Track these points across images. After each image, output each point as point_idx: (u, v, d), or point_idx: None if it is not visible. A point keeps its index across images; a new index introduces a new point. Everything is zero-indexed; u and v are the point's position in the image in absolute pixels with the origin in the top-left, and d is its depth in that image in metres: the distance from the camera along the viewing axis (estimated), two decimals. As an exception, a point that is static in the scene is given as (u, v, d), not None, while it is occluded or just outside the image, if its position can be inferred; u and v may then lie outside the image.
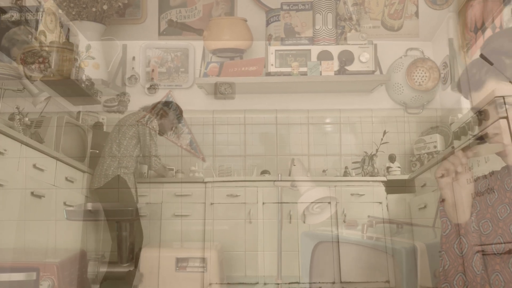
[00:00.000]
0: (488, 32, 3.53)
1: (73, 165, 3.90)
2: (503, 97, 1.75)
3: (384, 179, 4.18)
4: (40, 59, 3.53)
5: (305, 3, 4.30)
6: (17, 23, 3.53)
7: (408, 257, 2.75)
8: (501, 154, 1.81)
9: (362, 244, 3.10)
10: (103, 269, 3.08)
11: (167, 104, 4.30)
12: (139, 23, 4.58)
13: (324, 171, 4.44)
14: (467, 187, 1.84)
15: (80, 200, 3.91)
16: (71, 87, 3.98)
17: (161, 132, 4.18)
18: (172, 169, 4.42)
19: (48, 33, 3.78)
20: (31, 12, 3.64)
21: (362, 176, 4.29)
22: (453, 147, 3.87)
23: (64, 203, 3.71)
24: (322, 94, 4.47)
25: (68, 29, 4.05)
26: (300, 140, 4.56)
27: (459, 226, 1.83)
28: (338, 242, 3.11)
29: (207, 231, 4.04)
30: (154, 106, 4.22)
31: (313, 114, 4.56)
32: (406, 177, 4.23)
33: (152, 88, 4.47)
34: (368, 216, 3.67)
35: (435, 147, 4.17)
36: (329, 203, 3.19)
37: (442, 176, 1.85)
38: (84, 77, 4.05)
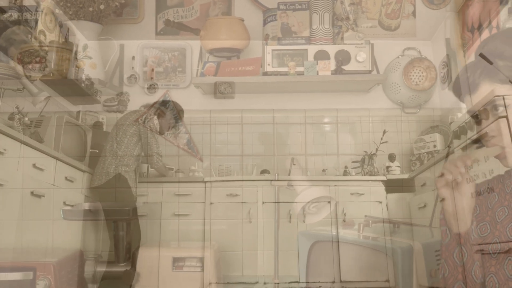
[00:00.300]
0: (485, 32, 3.52)
1: (73, 164, 3.86)
2: (503, 96, 1.74)
3: (384, 178, 4.15)
4: (37, 59, 3.51)
5: (302, 2, 4.29)
6: (16, 22, 3.51)
7: (404, 257, 2.74)
8: (499, 157, 1.78)
9: (358, 244, 3.09)
10: (100, 268, 3.07)
11: (164, 103, 4.27)
12: (136, 22, 4.56)
13: (324, 170, 4.41)
14: (467, 197, 1.82)
15: (80, 199, 3.88)
16: (70, 86, 3.96)
17: (159, 132, 4.14)
18: (172, 169, 4.39)
19: (48, 32, 3.74)
20: (31, 11, 3.60)
21: (362, 175, 4.27)
22: (449, 147, 3.86)
23: (64, 203, 3.68)
24: (319, 94, 4.44)
25: (68, 28, 4.01)
26: (297, 140, 4.53)
27: (459, 235, 1.81)
28: (336, 241, 3.10)
29: (207, 231, 4.01)
30: (151, 105, 4.19)
31: (310, 114, 4.54)
32: (406, 176, 4.20)
33: (152, 87, 4.44)
34: (365, 216, 3.64)
35: (434, 146, 4.13)
36: (329, 202, 3.17)
37: (443, 185, 1.83)
38: (83, 77, 4.02)
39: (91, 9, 4.05)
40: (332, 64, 4.10)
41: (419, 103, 4.37)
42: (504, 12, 3.26)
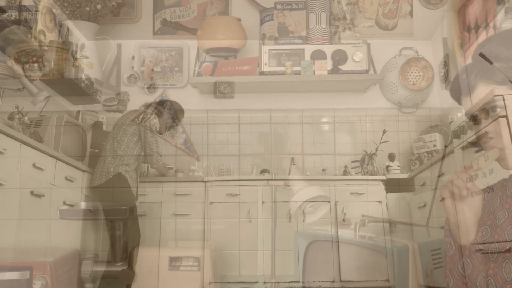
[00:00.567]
0: (482, 32, 3.49)
1: (73, 164, 3.83)
2: (503, 96, 1.72)
3: (384, 178, 4.12)
4: (34, 58, 3.48)
5: (299, 2, 4.26)
6: (15, 22, 3.48)
7: (400, 256, 2.74)
8: (498, 159, 1.76)
9: (354, 243, 3.09)
10: (97, 268, 3.05)
11: (162, 103, 4.24)
12: (134, 22, 4.54)
13: (323, 170, 4.38)
14: (474, 209, 1.80)
15: (80, 199, 3.85)
16: (70, 86, 3.94)
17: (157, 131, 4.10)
18: (171, 168, 4.36)
19: (48, 32, 3.70)
20: (30, 11, 3.56)
21: (362, 175, 4.23)
22: (445, 147, 3.82)
23: (64, 203, 3.64)
24: (316, 94, 4.41)
25: (68, 28, 3.98)
26: (295, 139, 4.51)
27: (464, 247, 1.80)
28: (336, 241, 3.11)
29: (207, 230, 3.99)
30: (148, 105, 4.16)
31: (307, 114, 4.51)
32: (405, 176, 4.17)
33: (152, 87, 4.42)
34: (362, 216, 3.60)
35: (434, 146, 4.10)
36: (327, 202, 3.16)
37: (448, 196, 1.82)
38: (83, 76, 4.00)
39: (88, 8, 4.04)
40: (328, 64, 4.09)
41: (416, 103, 4.34)
42: (501, 12, 3.22)
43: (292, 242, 3.49)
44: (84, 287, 3.08)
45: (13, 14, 3.47)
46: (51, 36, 3.74)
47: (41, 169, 3.39)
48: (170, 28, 4.46)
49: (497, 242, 1.67)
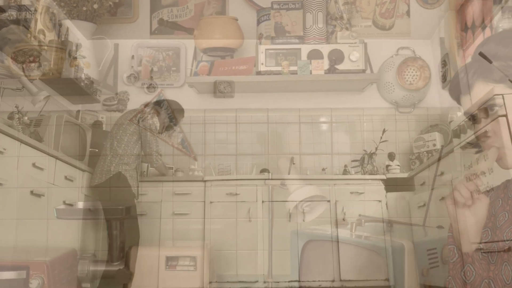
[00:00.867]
0: (479, 32, 3.48)
1: (73, 164, 3.79)
2: (502, 95, 1.71)
3: (384, 177, 4.08)
4: (31, 58, 3.46)
5: (295, 2, 4.25)
6: (15, 22, 3.46)
7: (396, 255, 2.74)
8: (497, 158, 1.74)
9: (350, 243, 3.08)
10: (94, 267, 3.03)
11: (159, 103, 4.20)
12: (131, 22, 4.51)
13: (323, 169, 4.35)
14: (477, 217, 1.78)
15: (80, 198, 3.81)
16: (70, 86, 3.90)
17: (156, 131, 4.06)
18: (171, 168, 4.33)
19: (47, 32, 3.67)
20: (29, 11, 3.53)
21: (362, 174, 4.20)
22: (442, 146, 3.79)
23: (64, 202, 3.61)
24: (314, 93, 4.39)
25: (67, 27, 3.95)
26: (293, 139, 4.48)
27: (467, 254, 1.79)
28: (336, 241, 3.10)
29: (207, 230, 3.96)
30: (146, 105, 4.12)
31: (305, 113, 4.49)
32: (405, 175, 4.14)
33: (151, 87, 4.39)
34: (359, 215, 3.56)
35: (434, 145, 4.08)
36: (327, 201, 3.15)
37: (452, 203, 1.80)
38: (83, 76, 3.97)
39: (85, 8, 4.02)
40: (325, 64, 4.08)
41: (413, 103, 4.32)
42: (497, 11, 3.20)
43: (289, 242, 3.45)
44: (81, 286, 3.04)
45: (13, 14, 3.44)
46: (50, 35, 3.71)
47: (41, 169, 3.35)
48: (167, 27, 4.44)
49: (495, 242, 1.65)
